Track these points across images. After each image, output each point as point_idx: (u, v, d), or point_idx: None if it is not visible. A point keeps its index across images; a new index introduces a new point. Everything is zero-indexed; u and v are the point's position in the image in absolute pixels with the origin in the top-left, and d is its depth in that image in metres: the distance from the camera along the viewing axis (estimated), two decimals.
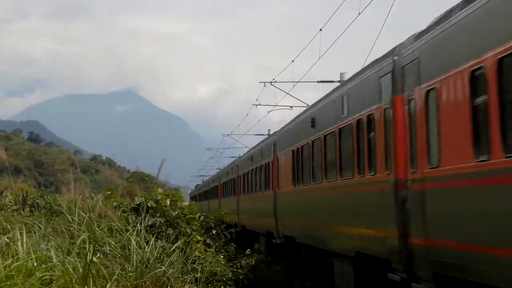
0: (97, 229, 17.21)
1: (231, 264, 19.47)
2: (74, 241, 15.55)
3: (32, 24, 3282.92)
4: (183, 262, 17.26)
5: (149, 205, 19.21)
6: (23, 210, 27.32)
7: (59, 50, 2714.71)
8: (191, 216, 19.85)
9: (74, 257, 13.73)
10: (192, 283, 16.84)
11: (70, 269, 12.86)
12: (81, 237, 15.52)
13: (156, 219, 18.38)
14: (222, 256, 19.85)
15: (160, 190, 20.67)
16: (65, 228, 17.22)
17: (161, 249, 16.68)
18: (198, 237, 20.18)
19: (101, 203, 21.48)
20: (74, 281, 12.52)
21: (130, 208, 19.45)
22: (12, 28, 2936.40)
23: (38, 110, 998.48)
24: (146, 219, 17.86)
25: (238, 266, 19.52)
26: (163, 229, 18.32)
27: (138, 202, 19.53)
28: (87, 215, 18.20)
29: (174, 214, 19.24)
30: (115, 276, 13.96)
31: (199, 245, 19.40)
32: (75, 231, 17.26)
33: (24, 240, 13.81)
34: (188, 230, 18.87)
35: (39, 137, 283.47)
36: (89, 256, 13.44)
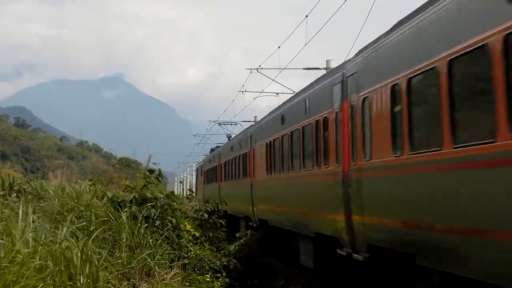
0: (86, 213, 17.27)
1: (218, 252, 19.56)
2: (63, 226, 15.61)
3: (23, 8, 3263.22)
4: (170, 248, 17.39)
5: (136, 196, 19.06)
6: (10, 196, 27.34)
7: (49, 35, 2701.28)
8: (175, 207, 19.59)
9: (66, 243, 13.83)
10: (179, 268, 16.99)
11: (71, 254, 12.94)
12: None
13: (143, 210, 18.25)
14: (207, 244, 19.93)
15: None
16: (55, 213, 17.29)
17: (148, 237, 16.82)
18: (187, 226, 20.22)
19: (88, 189, 21.54)
20: (71, 268, 12.62)
21: (115, 202, 19.28)
22: (1, 12, 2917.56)
23: (25, 96, 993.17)
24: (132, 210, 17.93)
25: (226, 253, 19.63)
26: (151, 219, 18.26)
27: (120, 200, 19.30)
28: (76, 203, 18.25)
29: (159, 205, 18.96)
30: (102, 260, 14.05)
31: (187, 234, 19.43)
32: (61, 219, 17.32)
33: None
34: (173, 220, 18.75)
35: (26, 123, 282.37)
36: (85, 241, 13.55)
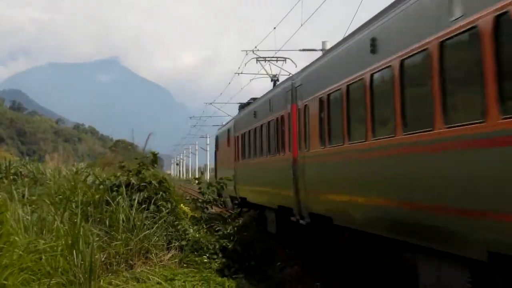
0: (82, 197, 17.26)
1: (216, 234, 19.55)
2: (60, 208, 15.66)
3: None
4: (166, 229, 17.42)
5: (133, 181, 19.01)
6: (6, 179, 27.34)
7: (43, 19, 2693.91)
8: (168, 189, 19.56)
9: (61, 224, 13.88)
10: (176, 250, 17.02)
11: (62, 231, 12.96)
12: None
13: (140, 194, 18.24)
14: (205, 225, 19.92)
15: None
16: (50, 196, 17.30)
17: (146, 219, 16.87)
18: (184, 208, 20.23)
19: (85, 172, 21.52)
20: (63, 246, 12.67)
21: (111, 184, 19.21)
22: None
23: (21, 79, 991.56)
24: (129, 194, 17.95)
25: (223, 235, 19.63)
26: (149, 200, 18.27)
27: (117, 182, 19.18)
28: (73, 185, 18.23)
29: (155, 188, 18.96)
30: (100, 243, 14.09)
31: (184, 216, 19.45)
32: (58, 201, 17.34)
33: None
34: (169, 205, 18.77)
35: (21, 106, 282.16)
36: (80, 221, 13.59)
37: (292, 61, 38.30)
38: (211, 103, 74.58)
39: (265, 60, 38.79)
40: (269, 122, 24.71)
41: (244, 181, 30.78)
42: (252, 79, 50.28)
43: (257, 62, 39.08)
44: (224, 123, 44.47)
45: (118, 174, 20.29)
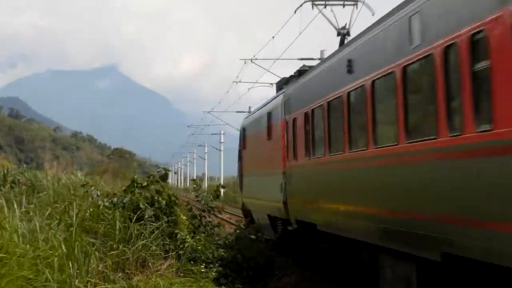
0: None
1: (215, 243, 19.47)
2: (58, 218, 15.65)
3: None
4: (163, 239, 17.37)
5: (140, 204, 18.76)
6: (4, 187, 27.29)
7: (42, 26, 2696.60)
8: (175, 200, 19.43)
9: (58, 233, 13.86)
10: (174, 259, 16.99)
11: (56, 243, 12.96)
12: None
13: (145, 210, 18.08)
14: (202, 234, 19.85)
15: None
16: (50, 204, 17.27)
17: (143, 229, 16.82)
18: (183, 217, 20.20)
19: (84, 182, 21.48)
20: (58, 256, 12.65)
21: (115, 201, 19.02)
22: None
23: (19, 86, 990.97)
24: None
25: (221, 244, 19.57)
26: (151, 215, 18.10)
27: (124, 201, 18.87)
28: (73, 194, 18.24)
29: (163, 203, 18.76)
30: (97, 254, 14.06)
31: (184, 228, 19.38)
32: (54, 211, 17.32)
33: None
34: (170, 220, 18.67)
35: (19, 114, 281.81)
36: (75, 226, 13.58)
37: (369, 7, 25.35)
38: (209, 112, 74.70)
39: (325, 5, 25.74)
40: (404, 68, 10.87)
41: (310, 195, 18.06)
42: (250, 88, 50.34)
43: (313, 8, 25.94)
44: (256, 107, 30.42)
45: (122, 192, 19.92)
